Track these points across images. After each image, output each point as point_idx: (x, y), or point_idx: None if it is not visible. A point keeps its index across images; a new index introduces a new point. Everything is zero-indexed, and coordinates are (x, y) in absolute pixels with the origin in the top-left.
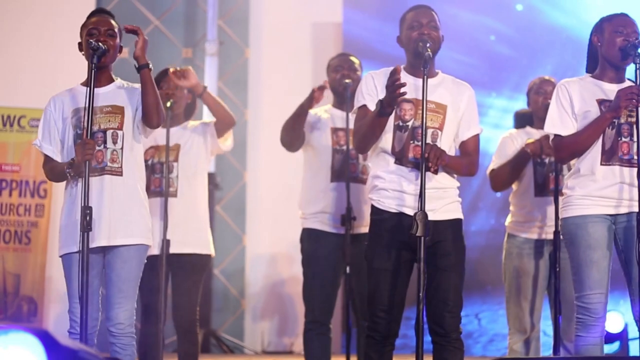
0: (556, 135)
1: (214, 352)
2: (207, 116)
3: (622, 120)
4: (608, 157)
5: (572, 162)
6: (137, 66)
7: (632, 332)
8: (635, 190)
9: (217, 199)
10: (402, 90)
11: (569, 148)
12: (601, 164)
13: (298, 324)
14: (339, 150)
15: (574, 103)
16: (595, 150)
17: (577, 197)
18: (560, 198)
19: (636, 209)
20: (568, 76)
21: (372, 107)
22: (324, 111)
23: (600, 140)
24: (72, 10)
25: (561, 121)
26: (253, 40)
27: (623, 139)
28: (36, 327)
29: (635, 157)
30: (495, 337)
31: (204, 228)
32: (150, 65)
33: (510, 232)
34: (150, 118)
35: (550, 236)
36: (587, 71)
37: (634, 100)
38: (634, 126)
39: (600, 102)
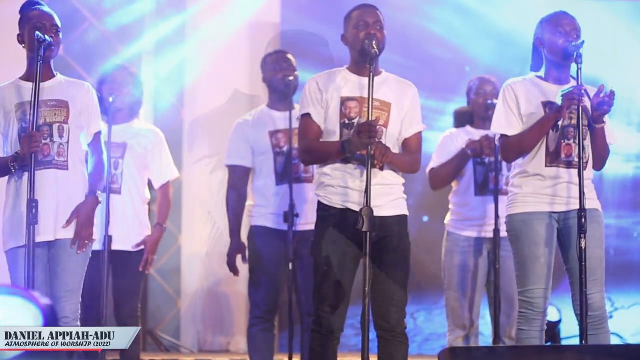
0: (502, 136)
1: (151, 351)
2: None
3: (567, 123)
4: (552, 159)
5: (519, 161)
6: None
7: (565, 331)
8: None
9: (152, 198)
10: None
11: (514, 148)
12: (546, 166)
13: (234, 324)
14: (279, 153)
15: (520, 104)
16: (540, 152)
17: (523, 195)
18: (501, 197)
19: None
20: (503, 77)
21: (315, 117)
22: (261, 112)
23: (544, 142)
24: (6, 6)
25: (507, 121)
26: (189, 38)
27: (567, 142)
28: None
29: (578, 159)
30: (430, 336)
31: (145, 226)
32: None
33: (449, 230)
34: None
35: (490, 234)
36: (532, 70)
37: (575, 101)
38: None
39: (545, 105)
